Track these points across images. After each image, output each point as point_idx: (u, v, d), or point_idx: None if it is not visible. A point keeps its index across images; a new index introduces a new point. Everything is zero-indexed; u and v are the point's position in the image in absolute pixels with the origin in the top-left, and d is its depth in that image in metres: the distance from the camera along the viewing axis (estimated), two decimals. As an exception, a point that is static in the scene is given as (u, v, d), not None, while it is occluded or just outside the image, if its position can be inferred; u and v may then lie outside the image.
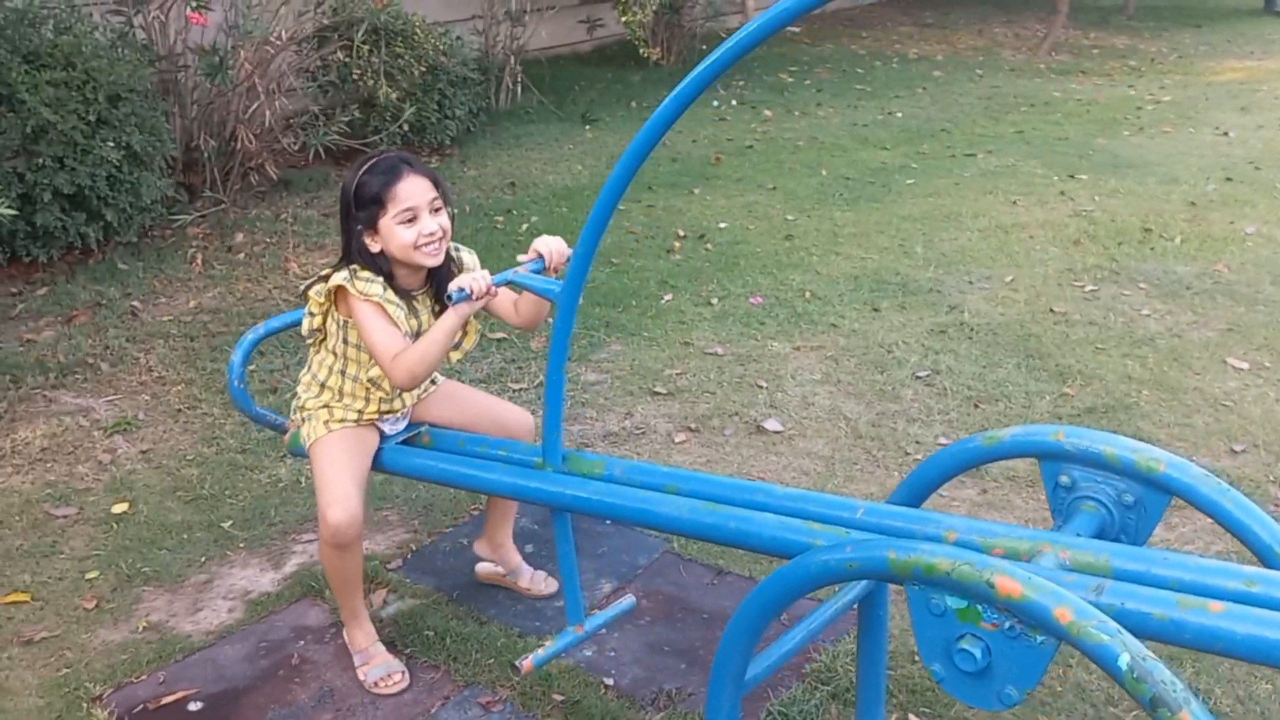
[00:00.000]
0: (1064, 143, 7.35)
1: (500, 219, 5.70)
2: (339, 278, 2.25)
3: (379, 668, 2.43)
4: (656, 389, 3.86)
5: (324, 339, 2.40)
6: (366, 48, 6.19)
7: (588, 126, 7.69)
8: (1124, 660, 1.26)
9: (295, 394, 2.50)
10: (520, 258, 2.26)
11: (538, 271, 2.23)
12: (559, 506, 2.19)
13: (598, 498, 2.11)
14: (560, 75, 8.86)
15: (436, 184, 2.29)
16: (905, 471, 3.27)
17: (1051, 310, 4.49)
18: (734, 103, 8.61)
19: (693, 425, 3.60)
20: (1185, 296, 4.61)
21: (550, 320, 2.11)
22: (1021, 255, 5.15)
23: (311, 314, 2.37)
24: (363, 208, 2.24)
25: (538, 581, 2.78)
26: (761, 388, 3.87)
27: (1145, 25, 12.88)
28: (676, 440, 3.51)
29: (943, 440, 3.47)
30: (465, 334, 2.44)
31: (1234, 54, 11.07)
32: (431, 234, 2.25)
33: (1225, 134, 7.55)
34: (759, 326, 4.39)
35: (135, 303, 4.37)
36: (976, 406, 3.70)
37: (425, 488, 3.23)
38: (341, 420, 2.39)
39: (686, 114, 7.43)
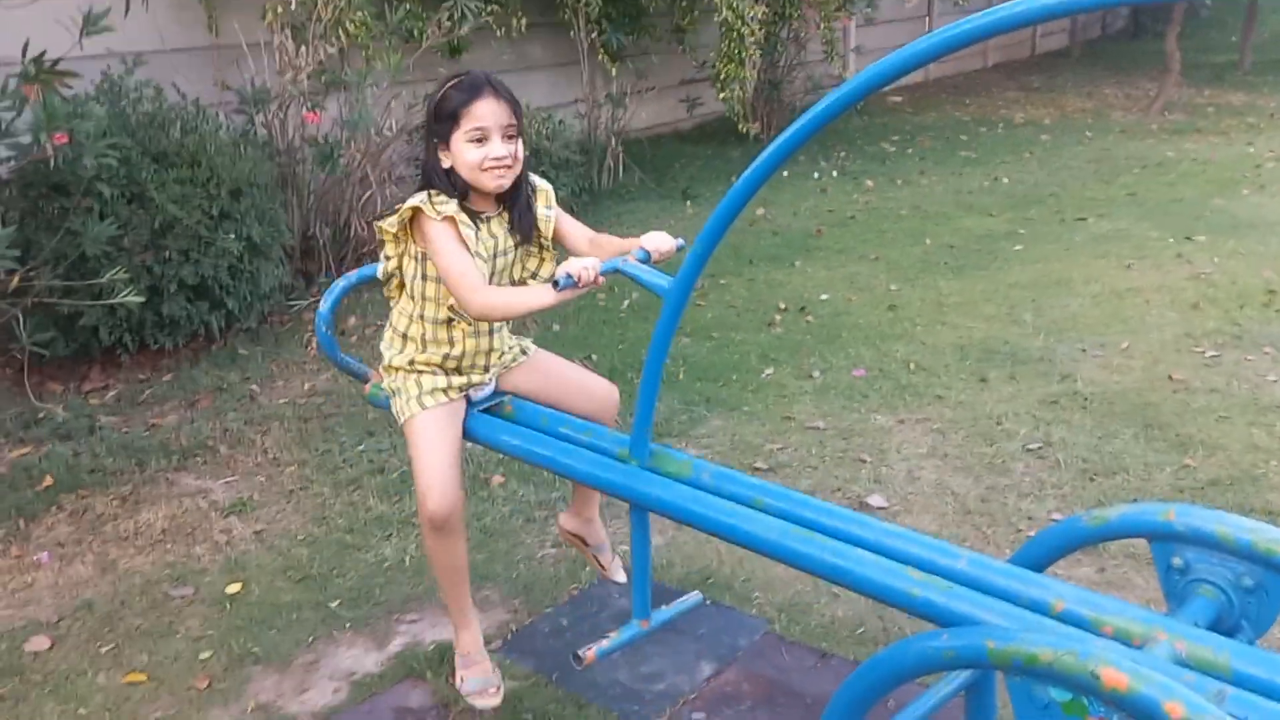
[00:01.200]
0: (1179, 204, 7.13)
1: (602, 296, 5.77)
2: (416, 199, 2.24)
3: (478, 679, 2.43)
4: (757, 464, 3.82)
5: (401, 285, 2.38)
6: (473, 135, 6.40)
7: (688, 202, 7.77)
8: (1244, 760, 1.18)
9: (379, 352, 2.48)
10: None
11: (644, 262, 2.20)
12: (641, 504, 2.14)
13: (682, 503, 2.04)
14: (661, 153, 9.01)
15: (516, 111, 2.26)
16: (1016, 549, 3.15)
17: (1170, 377, 4.32)
18: (835, 174, 8.61)
19: (794, 502, 3.55)
20: (1316, 361, 4.39)
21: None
22: (1137, 321, 4.98)
23: (387, 257, 2.35)
24: (439, 121, 2.25)
25: (616, 567, 2.76)
26: (865, 462, 3.80)
27: (1263, 80, 12.49)
28: (778, 517, 3.46)
29: (1056, 515, 3.34)
30: (542, 261, 2.43)
31: (1361, 105, 10.64)
32: (499, 158, 2.22)
33: (1354, 189, 7.23)
34: (862, 399, 4.33)
35: (254, 386, 4.54)
36: (1092, 480, 3.56)
37: (526, 567, 3.24)
38: (433, 391, 2.36)
39: (787, 186, 7.40)
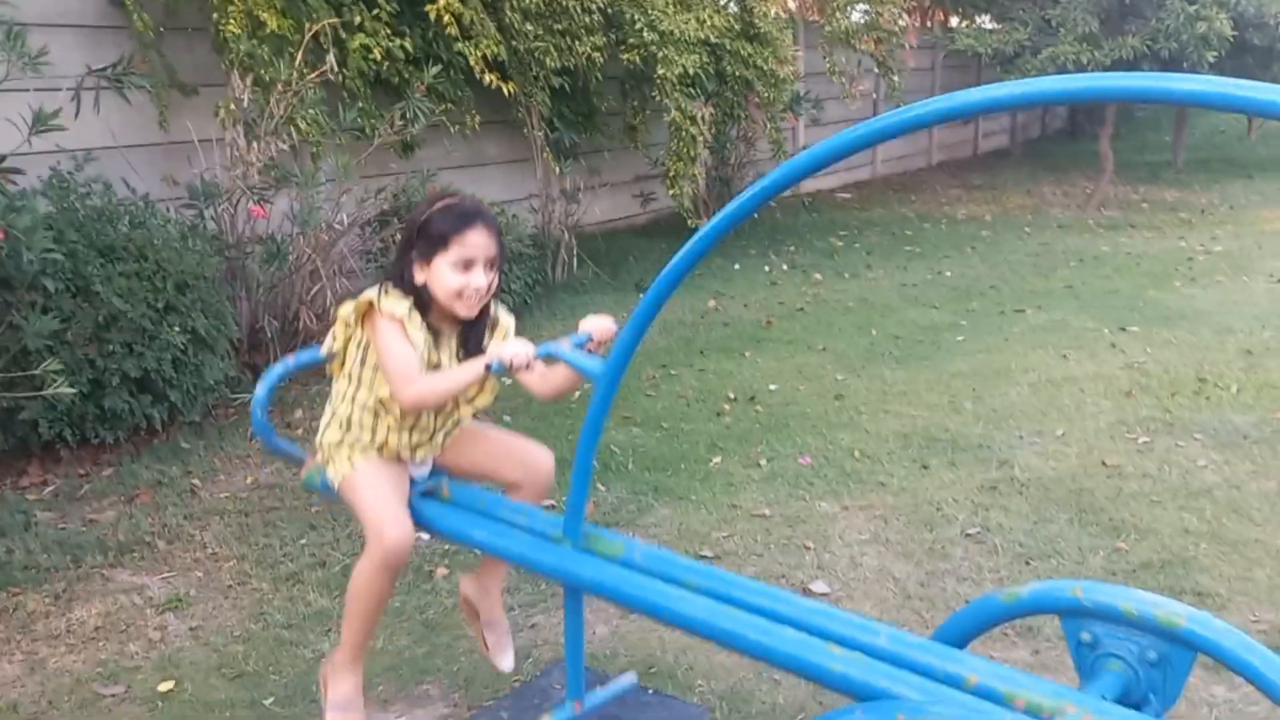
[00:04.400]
0: (1114, 296, 7.35)
1: (552, 388, 5.81)
2: (370, 292, 2.29)
3: None
4: (703, 552, 3.83)
5: (342, 364, 2.42)
6: (424, 230, 6.48)
7: (641, 295, 7.86)
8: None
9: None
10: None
11: (580, 346, 2.22)
12: (573, 585, 2.18)
13: (614, 584, 2.09)
14: (614, 247, 9.15)
15: (501, 243, 2.31)
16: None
17: (1104, 464, 4.41)
18: (785, 267, 8.79)
19: (737, 590, 3.55)
20: (1243, 446, 4.51)
21: (582, 395, 2.15)
22: (1073, 409, 5.09)
23: (334, 336, 2.39)
24: (425, 239, 2.26)
25: (503, 651, 2.68)
26: (809, 549, 3.82)
27: (1195, 178, 12.98)
28: (720, 606, 3.46)
29: (994, 600, 3.37)
30: (481, 390, 2.46)
31: (1287, 202, 11.07)
32: (478, 288, 2.27)
33: (1281, 281, 7.49)
34: (807, 487, 4.37)
35: (195, 481, 4.50)
36: (1028, 564, 3.61)
37: (468, 660, 3.21)
38: (364, 451, 2.40)
39: (738, 279, 7.52)
